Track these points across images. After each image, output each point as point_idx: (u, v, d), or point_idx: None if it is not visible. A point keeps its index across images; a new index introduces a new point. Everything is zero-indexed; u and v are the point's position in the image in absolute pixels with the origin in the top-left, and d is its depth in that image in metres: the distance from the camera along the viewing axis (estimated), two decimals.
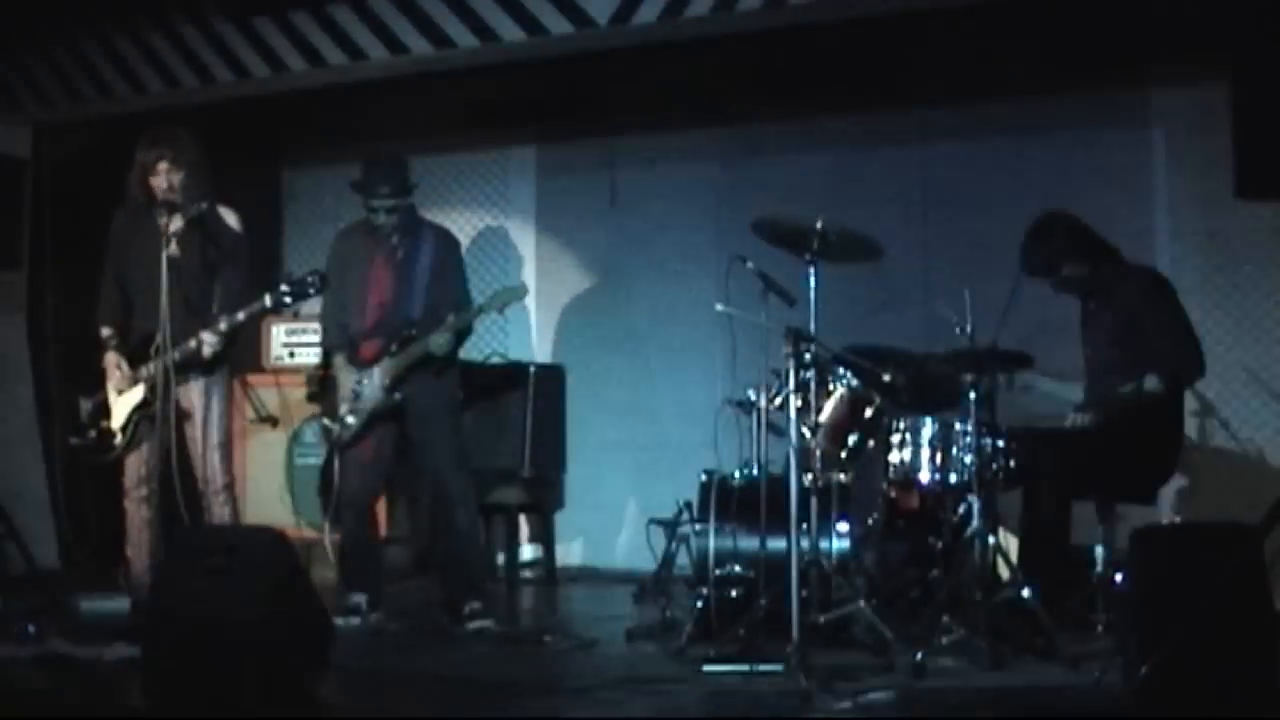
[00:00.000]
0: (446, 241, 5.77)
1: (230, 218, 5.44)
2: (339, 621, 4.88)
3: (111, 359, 5.43)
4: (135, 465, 5.37)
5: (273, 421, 6.77)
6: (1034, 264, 5.34)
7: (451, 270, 5.72)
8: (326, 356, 5.91)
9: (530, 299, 7.65)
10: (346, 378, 5.60)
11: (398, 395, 5.50)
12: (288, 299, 5.23)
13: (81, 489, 6.89)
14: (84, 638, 4.88)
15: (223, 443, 5.42)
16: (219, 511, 5.36)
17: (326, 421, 5.65)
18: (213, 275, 5.36)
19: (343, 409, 5.56)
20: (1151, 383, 5.13)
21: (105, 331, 5.48)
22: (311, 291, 5.25)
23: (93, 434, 5.46)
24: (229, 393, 5.56)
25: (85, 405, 5.50)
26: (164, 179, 5.28)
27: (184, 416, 5.33)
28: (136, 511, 5.36)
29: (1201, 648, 3.61)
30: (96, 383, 5.48)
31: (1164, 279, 5.45)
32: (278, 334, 7.16)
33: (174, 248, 5.20)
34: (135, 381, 5.36)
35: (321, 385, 6.28)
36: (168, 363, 5.08)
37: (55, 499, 7.13)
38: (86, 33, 6.93)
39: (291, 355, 7.13)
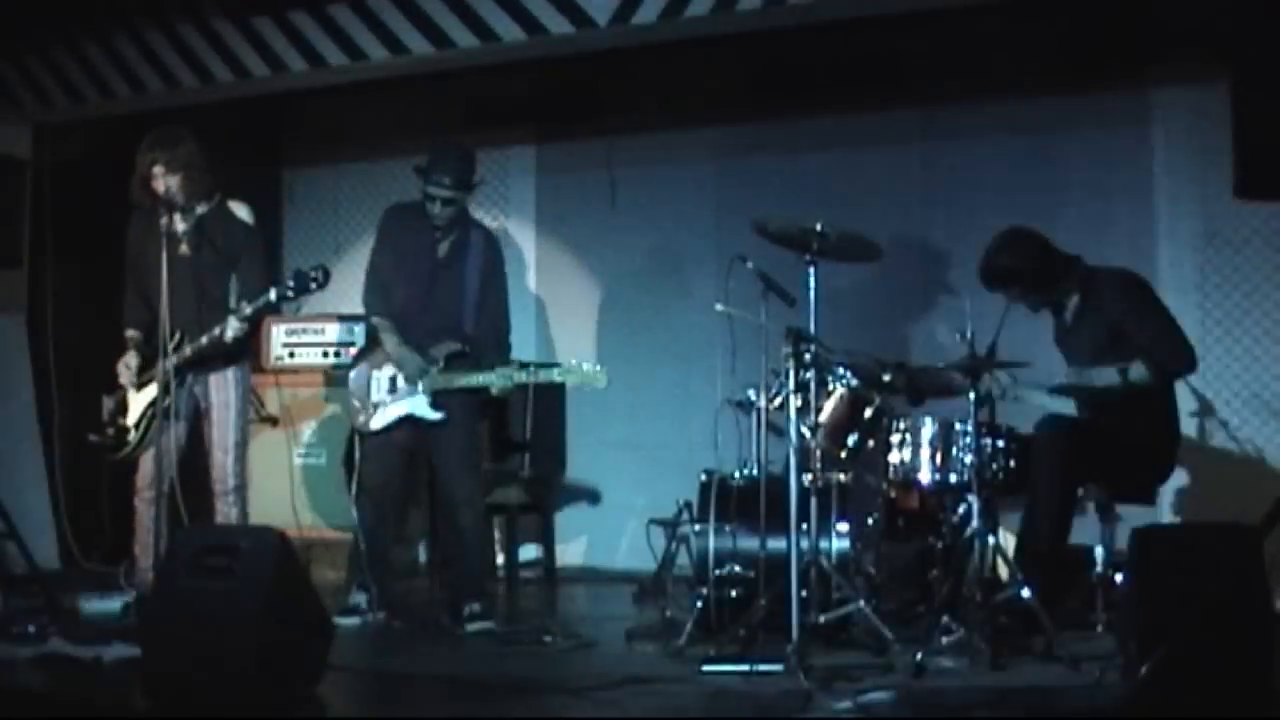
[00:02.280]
0: (493, 246, 5.71)
1: (241, 210, 5.49)
2: (339, 621, 4.88)
3: (125, 359, 5.49)
4: (148, 464, 5.39)
5: (273, 421, 6.77)
6: (992, 285, 5.26)
7: (497, 279, 5.67)
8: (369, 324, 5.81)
9: (530, 299, 7.68)
10: (385, 363, 5.55)
11: (441, 414, 5.45)
12: (291, 293, 5.27)
13: (97, 486, 6.92)
14: (84, 638, 4.88)
15: (238, 443, 5.45)
16: (228, 512, 5.39)
17: (356, 402, 5.63)
18: (230, 271, 5.42)
19: (376, 396, 5.53)
20: (1138, 372, 5.07)
21: (130, 333, 5.55)
22: (314, 286, 5.26)
23: (111, 431, 5.52)
24: (248, 391, 5.61)
25: (107, 403, 5.56)
26: (160, 183, 5.31)
27: (202, 414, 5.41)
28: (146, 511, 5.37)
29: (1201, 648, 3.62)
30: (117, 381, 5.54)
31: (1139, 278, 5.33)
32: (278, 334, 7.16)
33: (185, 248, 5.31)
34: (150, 380, 5.40)
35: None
36: (168, 366, 5.12)
37: (55, 499, 7.13)
38: (86, 33, 6.93)
39: (292, 355, 7.13)
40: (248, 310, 5.26)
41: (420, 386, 5.47)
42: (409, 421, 5.52)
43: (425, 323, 5.55)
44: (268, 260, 5.52)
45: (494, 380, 5.40)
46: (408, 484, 5.81)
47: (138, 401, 5.47)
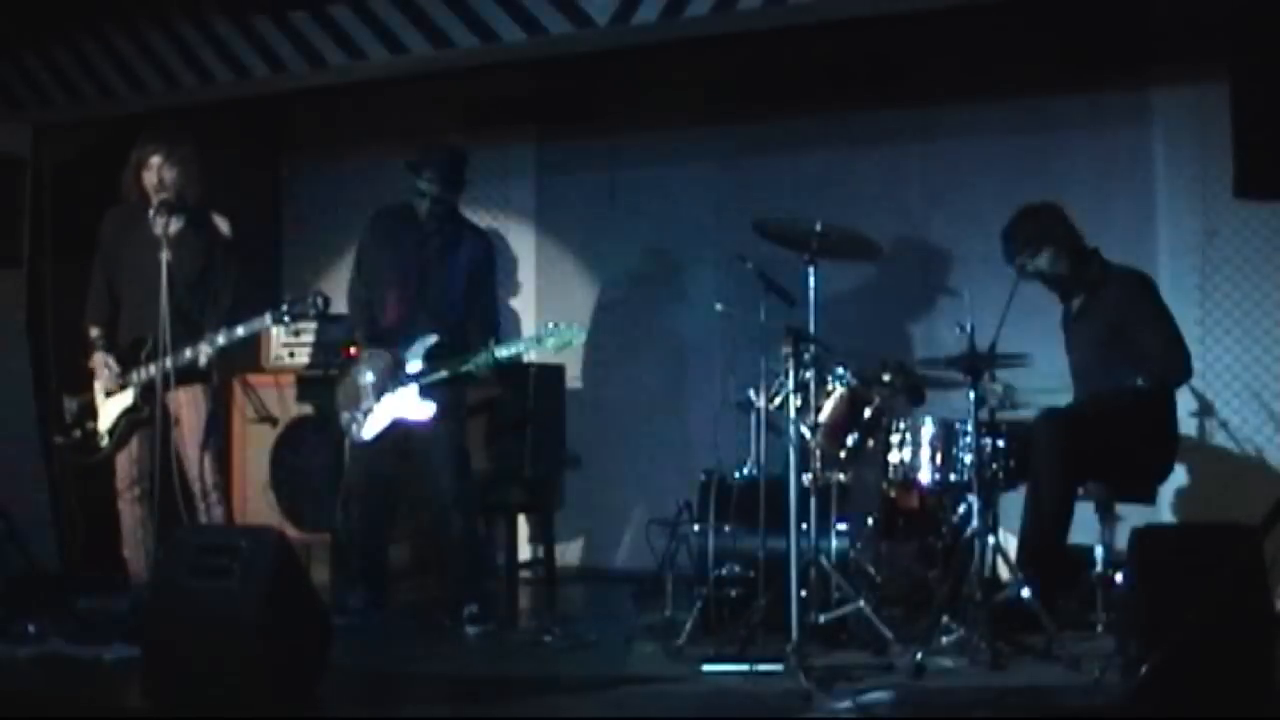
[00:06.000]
0: (485, 247, 5.71)
1: (222, 224, 5.44)
2: (339, 621, 4.88)
3: (99, 359, 5.42)
4: (125, 466, 5.38)
5: (272, 421, 6.76)
6: (1016, 244, 5.28)
7: (486, 279, 5.67)
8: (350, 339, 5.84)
9: (530, 299, 7.69)
10: (368, 367, 5.56)
11: (430, 403, 5.46)
12: (287, 319, 5.26)
13: (69, 489, 6.90)
14: (84, 638, 4.88)
15: (212, 443, 5.39)
16: (212, 511, 5.34)
17: (345, 413, 5.63)
18: (205, 281, 5.37)
19: (365, 403, 5.54)
20: (1139, 386, 5.10)
21: (94, 331, 5.47)
22: (312, 313, 5.26)
23: (77, 434, 5.46)
24: (218, 394, 5.55)
25: (70, 405, 5.50)
26: (155, 174, 5.28)
27: (174, 421, 5.33)
28: (130, 512, 5.37)
29: (1201, 648, 3.61)
30: (83, 382, 5.47)
31: (1149, 280, 5.36)
32: (277, 334, 7.16)
33: (166, 253, 5.18)
34: (125, 385, 5.35)
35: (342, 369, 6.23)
36: (165, 367, 5.09)
37: (55, 499, 7.12)
38: (86, 33, 6.93)
39: (291, 355, 7.13)
40: (221, 340, 5.22)
41: (409, 386, 5.47)
42: (398, 424, 5.52)
43: (415, 321, 5.55)
44: (239, 278, 5.46)
45: (472, 364, 5.39)
46: (399, 486, 5.81)
47: (110, 406, 5.40)
